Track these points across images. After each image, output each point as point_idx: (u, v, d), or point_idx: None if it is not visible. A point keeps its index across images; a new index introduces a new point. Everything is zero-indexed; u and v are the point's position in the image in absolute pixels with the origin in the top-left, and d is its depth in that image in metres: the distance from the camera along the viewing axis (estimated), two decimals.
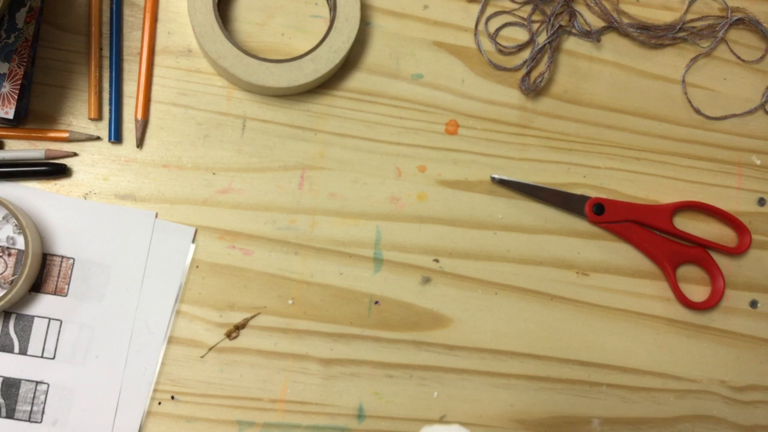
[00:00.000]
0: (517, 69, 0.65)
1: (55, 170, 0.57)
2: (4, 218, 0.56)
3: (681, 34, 0.67)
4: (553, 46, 0.65)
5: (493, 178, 0.63)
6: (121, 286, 0.57)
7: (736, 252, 0.65)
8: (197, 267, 0.58)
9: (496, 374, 0.61)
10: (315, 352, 0.59)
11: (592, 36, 0.66)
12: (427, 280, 0.60)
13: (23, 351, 0.56)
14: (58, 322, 0.56)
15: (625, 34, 0.67)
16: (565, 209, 0.64)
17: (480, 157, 0.63)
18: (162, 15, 0.61)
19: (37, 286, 0.56)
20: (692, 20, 0.68)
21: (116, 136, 0.59)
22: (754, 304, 0.65)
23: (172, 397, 0.57)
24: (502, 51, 0.65)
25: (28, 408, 0.55)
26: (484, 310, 0.62)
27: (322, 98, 0.62)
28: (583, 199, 0.64)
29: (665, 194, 0.66)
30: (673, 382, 0.63)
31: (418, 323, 0.61)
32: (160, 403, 0.57)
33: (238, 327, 0.58)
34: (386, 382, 0.59)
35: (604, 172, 0.65)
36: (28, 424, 0.55)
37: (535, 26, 0.66)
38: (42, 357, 0.56)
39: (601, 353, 0.63)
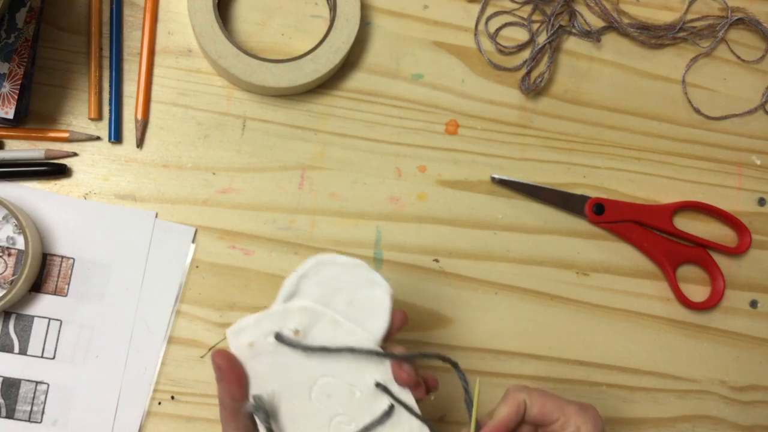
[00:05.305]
0: (517, 69, 0.65)
1: (55, 170, 0.57)
2: (4, 218, 0.56)
3: (681, 34, 0.67)
4: (553, 46, 0.65)
5: (493, 178, 0.63)
6: (121, 286, 0.57)
7: (736, 252, 0.65)
8: (197, 267, 0.58)
9: (496, 374, 0.61)
10: None
11: (592, 36, 0.66)
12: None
13: (23, 351, 0.56)
14: (58, 322, 0.56)
15: (625, 34, 0.67)
16: (565, 209, 0.64)
17: (480, 157, 0.63)
18: (162, 15, 0.61)
19: (37, 286, 0.56)
20: (692, 20, 0.68)
21: (116, 136, 0.59)
22: (754, 304, 0.65)
23: (172, 397, 0.57)
24: (502, 51, 0.65)
25: (28, 408, 0.55)
26: (484, 310, 0.62)
27: (322, 98, 0.62)
28: (583, 199, 0.64)
29: (665, 194, 0.66)
30: (673, 382, 0.63)
31: (418, 323, 0.61)
32: (160, 403, 0.57)
33: None
34: None
35: (604, 172, 0.65)
36: (28, 424, 0.55)
37: (535, 26, 0.66)
38: (42, 357, 0.56)
39: (601, 353, 0.63)
